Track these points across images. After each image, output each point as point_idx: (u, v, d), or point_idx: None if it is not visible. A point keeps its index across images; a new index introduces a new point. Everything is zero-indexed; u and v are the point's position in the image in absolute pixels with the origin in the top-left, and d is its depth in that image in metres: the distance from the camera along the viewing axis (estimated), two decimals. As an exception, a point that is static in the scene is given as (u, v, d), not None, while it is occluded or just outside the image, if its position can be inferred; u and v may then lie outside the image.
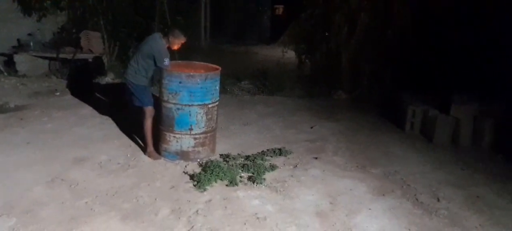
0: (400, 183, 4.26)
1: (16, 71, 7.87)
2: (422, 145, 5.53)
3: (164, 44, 4.38)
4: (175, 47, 4.52)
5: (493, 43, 6.12)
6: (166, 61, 4.30)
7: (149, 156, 4.48)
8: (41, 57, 8.08)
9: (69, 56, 7.90)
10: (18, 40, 8.29)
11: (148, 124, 4.47)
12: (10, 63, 8.06)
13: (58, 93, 6.85)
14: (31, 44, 8.09)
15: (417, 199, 3.93)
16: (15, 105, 6.07)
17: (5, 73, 7.77)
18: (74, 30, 8.55)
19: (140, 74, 4.41)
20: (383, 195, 3.97)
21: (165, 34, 4.49)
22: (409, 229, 3.42)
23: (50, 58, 8.05)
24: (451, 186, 4.29)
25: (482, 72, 6.12)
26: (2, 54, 8.20)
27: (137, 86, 4.44)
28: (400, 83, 7.17)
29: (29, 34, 8.33)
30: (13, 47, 8.23)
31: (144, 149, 4.60)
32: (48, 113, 5.77)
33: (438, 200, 3.96)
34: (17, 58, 7.90)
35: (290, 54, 9.70)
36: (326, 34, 8.24)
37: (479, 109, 5.59)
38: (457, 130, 5.57)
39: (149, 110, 4.47)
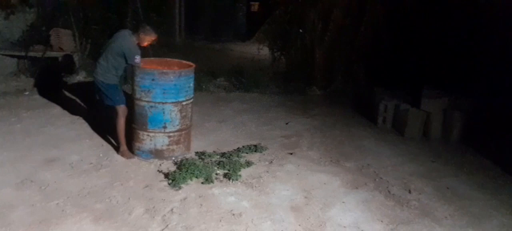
0: (373, 176, 4.36)
1: (-17, 70, 7.59)
2: (394, 138, 5.67)
3: (134, 41, 4.29)
4: (146, 44, 4.43)
5: (463, 38, 6.32)
6: (137, 58, 4.20)
7: (122, 155, 4.41)
8: (9, 55, 7.81)
9: (39, 55, 7.67)
10: (-15, 38, 8.01)
11: (121, 122, 4.39)
12: (-25, 63, 7.77)
13: (27, 93, 6.64)
14: (-1, 42, 7.83)
15: (389, 191, 4.03)
16: (-18, 106, 5.86)
17: (-29, 73, 7.48)
18: (43, 28, 8.30)
19: (110, 73, 4.30)
20: (356, 188, 4.06)
21: (136, 31, 4.39)
22: (382, 221, 3.50)
23: (19, 57, 7.79)
24: (422, 177, 4.42)
25: (452, 67, 6.32)
26: (-33, 53, 7.90)
27: (107, 85, 4.33)
28: (373, 79, 7.31)
29: (-4, 32, 8.06)
30: (-21, 45, 7.95)
31: (117, 148, 4.53)
32: (16, 113, 5.59)
33: (410, 191, 4.07)
34: (-17, 57, 7.62)
35: (265, 51, 9.70)
36: (301, 31, 8.30)
37: (449, 103, 5.77)
38: (428, 123, 5.74)
39: (122, 109, 4.38)
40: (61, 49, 7.77)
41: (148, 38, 4.38)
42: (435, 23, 6.80)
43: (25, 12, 8.38)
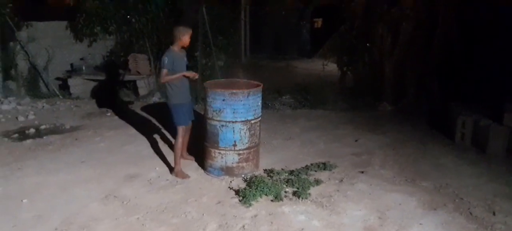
0: (452, 197, 4.09)
1: (70, 94, 8.38)
2: (474, 156, 5.29)
3: (172, 50, 4.38)
4: (187, 41, 4.46)
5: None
6: (165, 59, 4.28)
7: (176, 176, 4.50)
8: (92, 80, 8.56)
9: (119, 79, 8.31)
10: (71, 64, 8.86)
11: (179, 142, 4.50)
12: (64, 87, 8.60)
13: (109, 114, 7.20)
14: (83, 68, 8.60)
15: (471, 213, 3.76)
16: (70, 126, 6.44)
17: (60, 97, 8.29)
18: (122, 53, 8.99)
19: (169, 93, 4.47)
20: (435, 209, 3.83)
21: (174, 39, 4.43)
22: (464, 245, 3.27)
23: (101, 81, 8.50)
24: (508, 198, 4.06)
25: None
26: (57, 79, 8.78)
27: (170, 105, 4.50)
28: (448, 92, 6.91)
29: (81, 59, 8.88)
30: (67, 71, 8.80)
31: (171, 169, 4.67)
32: (100, 133, 6.08)
33: (494, 213, 3.76)
34: (70, 81, 8.43)
35: (331, 67, 9.63)
36: (368, 45, 8.13)
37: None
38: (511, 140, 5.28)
39: (180, 129, 4.50)
40: (138, 73, 8.34)
41: (186, 36, 4.41)
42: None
43: (106, 39, 9.16)
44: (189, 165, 4.81)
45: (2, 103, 7.59)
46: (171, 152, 5.22)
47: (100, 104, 7.80)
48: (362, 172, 4.67)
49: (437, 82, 7.42)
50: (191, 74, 4.48)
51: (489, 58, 6.58)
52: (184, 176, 4.51)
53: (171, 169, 4.63)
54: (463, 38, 7.14)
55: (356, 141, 5.82)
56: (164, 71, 4.30)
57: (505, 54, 6.35)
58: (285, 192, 4.12)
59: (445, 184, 4.38)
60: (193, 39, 7.80)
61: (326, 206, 3.85)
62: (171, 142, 5.47)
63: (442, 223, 3.58)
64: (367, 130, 6.31)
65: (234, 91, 4.40)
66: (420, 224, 3.56)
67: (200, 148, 4.73)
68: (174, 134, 4.61)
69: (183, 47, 4.51)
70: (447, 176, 4.62)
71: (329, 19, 13.60)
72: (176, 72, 4.36)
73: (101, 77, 8.50)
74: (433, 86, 7.47)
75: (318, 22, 17.57)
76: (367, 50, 8.15)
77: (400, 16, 7.56)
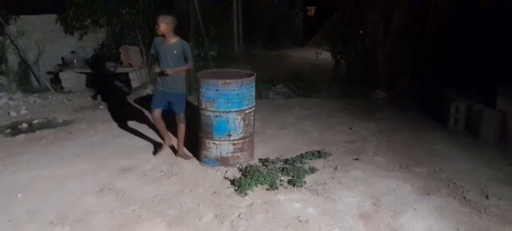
0: (446, 181, 4.13)
1: (62, 87, 8.31)
2: (468, 141, 5.34)
3: (156, 39, 4.58)
4: (160, 29, 4.43)
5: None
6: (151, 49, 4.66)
7: (181, 157, 4.79)
8: (84, 73, 8.48)
9: (110, 71, 8.24)
10: (62, 58, 8.76)
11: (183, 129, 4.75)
12: (56, 81, 8.52)
13: (101, 107, 7.15)
14: (75, 61, 8.52)
15: (464, 197, 3.80)
16: (63, 120, 6.39)
17: (52, 91, 8.22)
18: (113, 46, 8.90)
19: (175, 81, 4.63)
20: (429, 194, 3.86)
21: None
22: (458, 228, 3.31)
23: (93, 74, 8.43)
24: (501, 182, 4.11)
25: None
26: (49, 73, 8.69)
27: (178, 93, 4.67)
28: (441, 78, 6.93)
29: (72, 52, 8.78)
30: (58, 65, 8.70)
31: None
32: (93, 126, 6.04)
33: (487, 197, 3.80)
34: (62, 75, 8.35)
35: (324, 55, 9.61)
36: (361, 32, 8.11)
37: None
38: (504, 124, 5.32)
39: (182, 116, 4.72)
40: (130, 65, 8.27)
41: (158, 24, 4.42)
42: (506, 16, 6.30)
43: (97, 32, 9.06)
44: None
45: (-7, 98, 7.51)
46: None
47: (93, 98, 7.75)
48: (357, 159, 4.70)
49: (430, 68, 7.44)
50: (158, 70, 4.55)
51: (481, 43, 6.61)
52: (187, 157, 4.75)
53: (175, 151, 4.89)
54: (455, 24, 7.15)
55: (350, 128, 5.85)
56: (150, 60, 4.45)
57: (497, 40, 6.37)
58: (280, 180, 4.13)
59: (439, 169, 4.41)
60: (185, 29, 7.78)
61: (321, 193, 3.87)
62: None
63: (436, 208, 3.61)
64: (361, 118, 6.33)
65: (228, 81, 4.38)
66: (414, 209, 3.59)
67: (194, 138, 4.71)
68: (173, 123, 4.75)
69: (162, 36, 4.49)
70: (440, 161, 4.66)
71: (323, 7, 13.53)
72: (159, 61, 4.53)
73: (93, 70, 8.42)
74: (426, 73, 7.49)
75: (312, 10, 17.50)
76: (360, 38, 8.14)
77: (392, 3, 7.54)
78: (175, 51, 4.49)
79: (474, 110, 5.54)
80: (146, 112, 6.60)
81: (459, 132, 5.64)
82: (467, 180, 4.15)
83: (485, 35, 6.59)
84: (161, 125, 4.75)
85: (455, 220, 3.42)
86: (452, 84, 6.42)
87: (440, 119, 6.04)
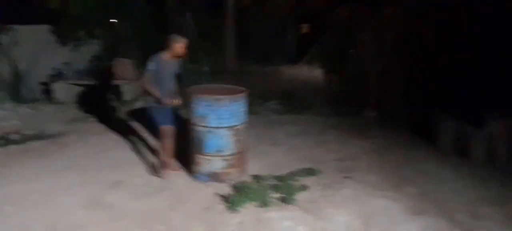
0: (436, 202, 4.16)
1: (54, 99, 8.24)
2: (457, 161, 5.39)
3: (162, 56, 4.37)
4: (178, 50, 4.38)
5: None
6: (149, 64, 4.32)
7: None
8: (77, 84, 8.45)
9: (103, 83, 8.22)
10: (55, 69, 8.70)
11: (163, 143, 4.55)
12: (48, 91, 8.46)
13: (93, 119, 7.11)
14: (68, 72, 8.48)
15: (454, 218, 3.83)
16: (54, 132, 6.32)
17: (44, 102, 8.14)
18: (106, 58, 8.90)
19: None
20: (419, 214, 3.89)
21: (169, 46, 4.40)
22: (447, 249, 3.33)
23: (86, 86, 8.39)
24: (489, 203, 4.15)
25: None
26: (41, 83, 8.63)
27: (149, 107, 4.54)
28: (431, 99, 7.03)
29: (65, 63, 8.75)
30: (51, 76, 8.65)
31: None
32: (85, 138, 6.00)
33: (476, 218, 3.84)
34: (54, 86, 8.30)
35: (317, 73, 9.71)
36: (352, 51, 8.22)
37: (516, 124, 5.41)
38: (493, 145, 5.41)
39: (162, 130, 4.52)
40: (122, 78, 8.26)
41: (176, 45, 4.35)
42: (495, 39, 6.46)
43: (90, 44, 9.06)
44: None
45: (-17, 109, 7.43)
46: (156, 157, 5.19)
47: (85, 110, 7.70)
48: (347, 177, 4.72)
49: (420, 89, 7.55)
50: (169, 101, 4.39)
51: (470, 65, 6.73)
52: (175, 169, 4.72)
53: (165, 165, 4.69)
54: (444, 48, 7.29)
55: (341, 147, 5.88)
56: (146, 76, 4.33)
57: (486, 62, 6.51)
58: (272, 197, 4.13)
59: (429, 189, 4.45)
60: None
61: (311, 211, 3.88)
62: (158, 146, 5.42)
63: (426, 228, 3.64)
64: (352, 136, 6.38)
65: (219, 97, 4.40)
66: (404, 229, 3.62)
67: (186, 154, 4.71)
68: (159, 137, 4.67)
69: (176, 57, 4.46)
70: (430, 181, 4.70)
71: (316, 25, 13.70)
72: (161, 79, 4.37)
73: (86, 82, 8.39)
74: (417, 94, 7.60)
75: (305, 28, 17.69)
76: (351, 57, 8.25)
77: (383, 26, 7.68)
78: (177, 69, 4.54)
79: (463, 131, 5.62)
80: (138, 125, 6.59)
81: (449, 152, 5.70)
82: (457, 200, 4.19)
83: (475, 57, 6.72)
84: (172, 143, 4.63)
85: (444, 241, 3.45)
86: (441, 105, 6.51)
87: (430, 138, 6.11)
